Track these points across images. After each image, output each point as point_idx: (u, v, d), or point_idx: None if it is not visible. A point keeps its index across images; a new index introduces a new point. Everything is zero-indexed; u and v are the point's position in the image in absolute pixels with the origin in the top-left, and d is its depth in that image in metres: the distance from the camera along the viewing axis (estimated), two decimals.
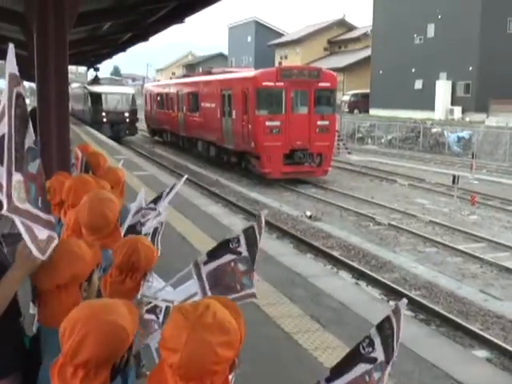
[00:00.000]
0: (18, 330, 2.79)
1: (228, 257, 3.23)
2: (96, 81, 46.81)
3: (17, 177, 2.58)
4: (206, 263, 3.21)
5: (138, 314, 2.28)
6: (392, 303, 11.41)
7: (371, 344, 2.28)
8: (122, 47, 21.80)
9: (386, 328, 2.30)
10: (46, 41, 6.21)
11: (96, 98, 43.81)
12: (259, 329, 6.53)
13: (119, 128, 42.80)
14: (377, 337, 2.28)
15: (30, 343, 2.76)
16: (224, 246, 3.25)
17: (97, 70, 43.18)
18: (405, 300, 2.41)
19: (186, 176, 5.13)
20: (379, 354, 2.28)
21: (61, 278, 2.64)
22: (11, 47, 2.65)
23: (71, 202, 4.29)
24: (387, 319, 2.32)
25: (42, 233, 2.66)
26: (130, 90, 49.03)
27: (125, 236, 3.92)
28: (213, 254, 3.24)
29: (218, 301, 2.11)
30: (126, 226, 4.23)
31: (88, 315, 2.10)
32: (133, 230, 4.29)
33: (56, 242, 2.71)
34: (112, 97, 44.00)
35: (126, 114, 43.78)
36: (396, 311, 2.33)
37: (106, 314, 2.11)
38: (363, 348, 2.28)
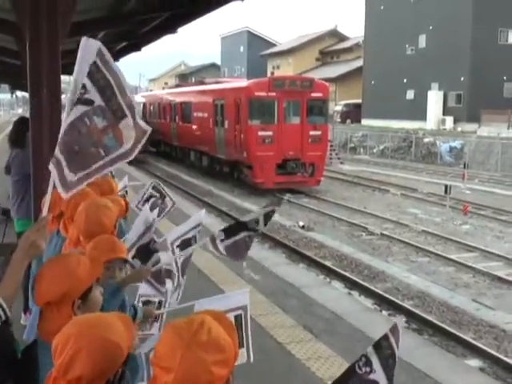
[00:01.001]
0: (9, 338, 2.77)
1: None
2: None
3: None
4: (222, 240, 3.17)
5: (133, 328, 2.26)
6: (385, 313, 11.41)
7: (368, 364, 2.17)
8: (115, 57, 21.81)
9: (384, 347, 2.19)
10: (39, 50, 6.21)
11: None
12: (252, 339, 6.51)
13: None
14: (374, 356, 2.17)
15: (23, 353, 2.74)
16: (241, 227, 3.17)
17: None
18: (403, 319, 2.37)
19: (203, 210, 4.94)
20: (380, 376, 2.18)
21: (50, 296, 2.61)
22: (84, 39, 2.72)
23: (70, 214, 4.27)
24: (385, 338, 2.23)
25: (71, 176, 2.75)
26: (139, 98, 43.99)
27: (138, 256, 3.92)
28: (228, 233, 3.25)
29: (210, 315, 2.08)
30: (132, 242, 4.15)
31: (80, 331, 2.08)
32: (146, 249, 4.20)
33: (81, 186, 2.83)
34: None
35: None
36: (394, 330, 2.26)
37: (99, 329, 2.10)
38: (359, 367, 2.17)
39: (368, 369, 2.19)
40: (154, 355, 1.97)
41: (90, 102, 2.61)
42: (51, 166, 2.80)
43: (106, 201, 4.05)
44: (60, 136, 2.77)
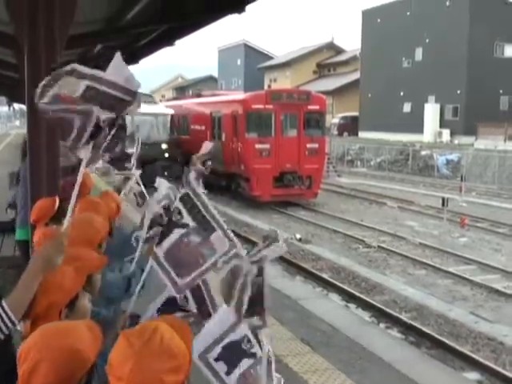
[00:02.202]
0: (9, 353, 2.75)
1: (176, 233, 3.19)
2: None
3: None
4: (158, 244, 3.23)
5: (100, 333, 2.26)
6: (382, 325, 11.39)
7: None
8: None
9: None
10: (37, 62, 6.22)
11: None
12: None
13: (156, 170, 24.92)
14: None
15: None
16: (170, 224, 3.25)
17: None
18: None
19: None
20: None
21: (37, 307, 2.61)
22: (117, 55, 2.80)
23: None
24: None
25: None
26: (165, 109, 33.26)
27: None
28: (162, 235, 3.26)
29: (165, 321, 2.10)
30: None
31: (42, 340, 2.09)
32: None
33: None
34: (141, 120, 28.39)
35: (164, 147, 29.70)
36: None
37: (61, 338, 2.10)
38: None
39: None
40: (108, 363, 1.96)
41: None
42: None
43: (92, 217, 4.04)
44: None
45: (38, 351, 2.05)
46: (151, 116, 29.71)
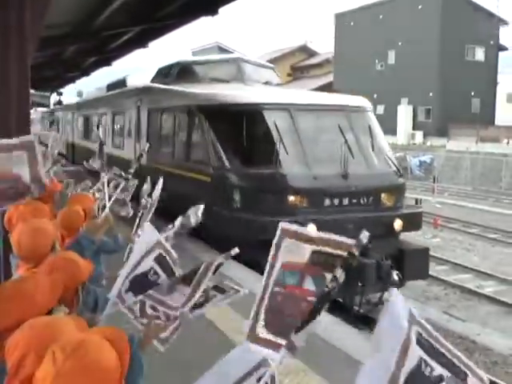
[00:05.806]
0: None
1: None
2: (186, 69, 14.81)
3: None
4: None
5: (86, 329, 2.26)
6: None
7: None
8: (86, 71, 21.76)
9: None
10: (7, 64, 6.17)
11: (254, 134, 11.31)
12: None
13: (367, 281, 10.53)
14: None
15: None
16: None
17: (60, 94, 40.37)
18: None
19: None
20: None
21: (5, 323, 2.48)
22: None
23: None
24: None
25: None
26: (358, 99, 15.18)
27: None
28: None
29: (99, 332, 2.07)
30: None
31: (30, 333, 2.11)
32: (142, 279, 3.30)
33: None
34: (320, 123, 12.41)
35: (386, 200, 12.13)
36: None
37: (48, 329, 2.12)
38: None
39: None
40: (34, 381, 1.93)
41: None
42: None
43: (41, 222, 3.97)
44: None
45: (26, 343, 2.08)
46: (335, 113, 13.13)
